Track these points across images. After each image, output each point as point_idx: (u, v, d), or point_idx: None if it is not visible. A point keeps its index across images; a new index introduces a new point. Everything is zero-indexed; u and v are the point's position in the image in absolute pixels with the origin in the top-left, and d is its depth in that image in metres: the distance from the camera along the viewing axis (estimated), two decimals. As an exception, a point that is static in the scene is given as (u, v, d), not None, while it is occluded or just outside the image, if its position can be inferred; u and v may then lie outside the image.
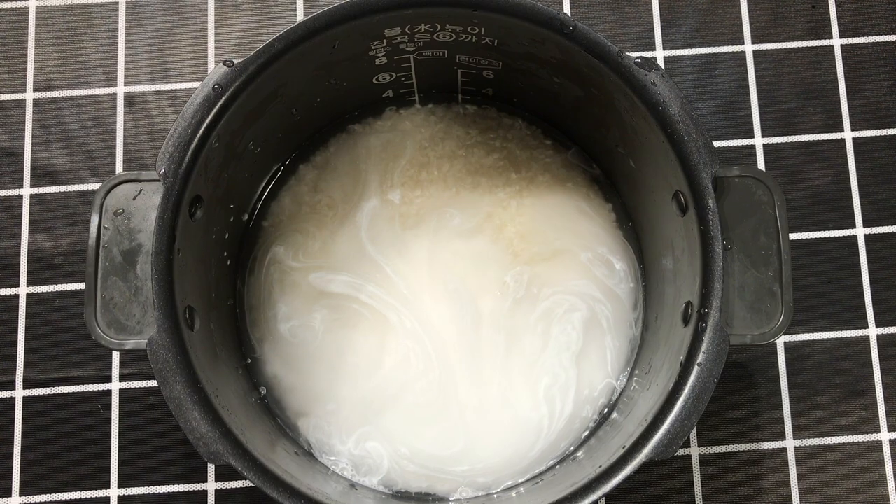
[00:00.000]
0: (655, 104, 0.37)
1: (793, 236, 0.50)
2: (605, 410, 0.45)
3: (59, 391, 0.48)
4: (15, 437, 0.48)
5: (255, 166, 0.46)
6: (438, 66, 0.44)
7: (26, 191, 0.51)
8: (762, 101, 0.52)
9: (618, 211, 0.48)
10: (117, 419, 0.48)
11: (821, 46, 0.53)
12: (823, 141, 0.52)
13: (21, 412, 0.48)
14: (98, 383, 0.48)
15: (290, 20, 0.53)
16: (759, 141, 0.52)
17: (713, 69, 0.52)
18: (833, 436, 0.48)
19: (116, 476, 0.47)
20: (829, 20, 0.53)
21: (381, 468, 0.44)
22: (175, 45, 0.53)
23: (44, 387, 0.48)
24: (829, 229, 0.51)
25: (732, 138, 0.52)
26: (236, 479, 0.47)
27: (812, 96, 0.52)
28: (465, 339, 0.46)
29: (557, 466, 0.44)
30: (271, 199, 0.48)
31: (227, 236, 0.44)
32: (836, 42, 0.53)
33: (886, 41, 0.53)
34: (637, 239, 0.48)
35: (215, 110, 0.37)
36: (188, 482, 0.47)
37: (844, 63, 0.53)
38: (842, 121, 0.52)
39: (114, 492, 0.47)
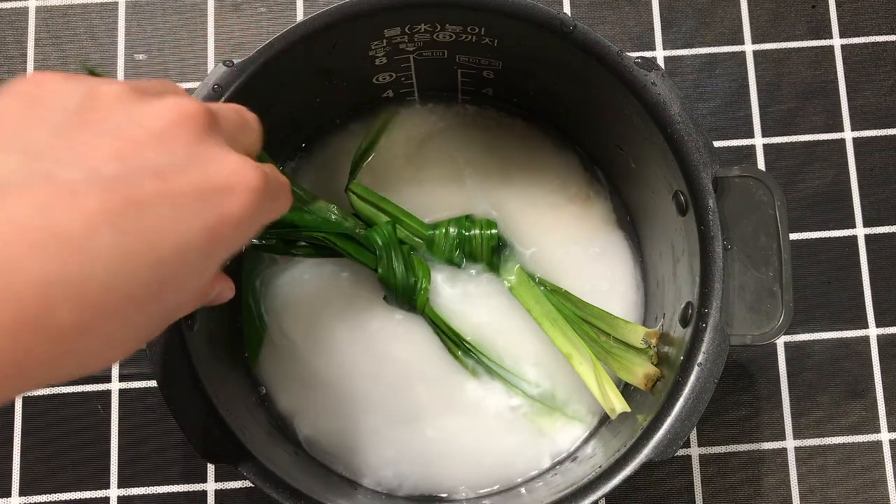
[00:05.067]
0: (655, 104, 0.37)
1: (793, 236, 0.50)
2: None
3: (59, 391, 0.48)
4: (15, 437, 0.48)
5: (255, 166, 0.46)
6: (438, 66, 0.44)
7: (26, 191, 0.50)
8: (762, 101, 0.52)
9: (618, 211, 0.48)
10: (117, 419, 0.48)
11: (821, 46, 0.53)
12: (823, 141, 0.52)
13: (21, 412, 0.48)
14: (98, 383, 0.48)
15: (290, 20, 0.53)
16: (759, 141, 0.52)
17: (713, 69, 0.52)
18: (833, 436, 0.48)
19: (116, 476, 0.47)
20: (829, 20, 0.53)
21: (380, 468, 0.44)
22: (175, 45, 0.53)
23: (44, 387, 0.48)
24: (829, 229, 0.51)
25: (732, 138, 0.52)
26: (236, 479, 0.47)
27: (812, 96, 0.52)
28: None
29: (557, 467, 0.44)
30: (271, 199, 0.48)
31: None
32: (836, 42, 0.53)
33: (886, 41, 0.53)
34: (637, 239, 0.48)
35: (215, 110, 0.37)
36: (188, 482, 0.47)
37: (844, 63, 0.53)
38: (842, 121, 0.52)
39: (114, 492, 0.47)
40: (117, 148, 0.23)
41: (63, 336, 0.21)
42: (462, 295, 0.46)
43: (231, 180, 0.25)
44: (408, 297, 0.44)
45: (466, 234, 0.45)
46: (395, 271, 0.44)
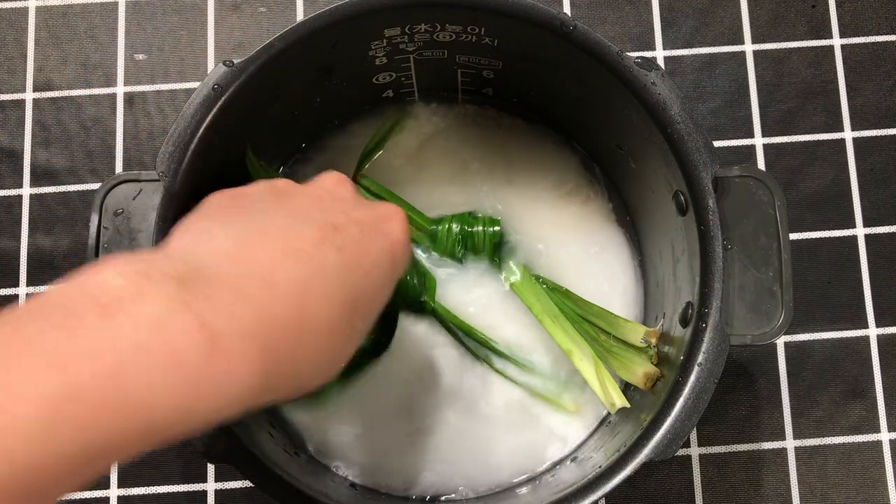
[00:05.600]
0: (655, 104, 0.37)
1: (793, 236, 0.50)
2: (605, 411, 0.45)
3: (58, 391, 0.48)
4: (15, 437, 0.48)
5: (255, 166, 0.46)
6: (438, 66, 0.44)
7: (26, 191, 0.51)
8: (762, 101, 0.52)
9: (618, 211, 0.48)
10: (117, 419, 0.48)
11: (821, 46, 0.53)
12: (823, 141, 0.52)
13: (21, 412, 0.48)
14: (98, 383, 0.48)
15: (290, 20, 0.53)
16: (759, 141, 0.52)
17: (713, 69, 0.52)
18: (833, 436, 0.48)
19: (116, 476, 0.47)
20: (829, 20, 0.53)
21: (381, 468, 0.44)
22: (175, 45, 0.53)
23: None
24: (829, 229, 0.51)
25: (732, 138, 0.52)
26: (236, 479, 0.47)
27: (812, 96, 0.52)
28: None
29: (557, 467, 0.44)
30: (271, 199, 0.48)
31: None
32: (836, 42, 0.53)
33: (886, 41, 0.53)
34: (637, 239, 0.48)
35: (215, 110, 0.37)
36: (188, 482, 0.47)
37: (844, 63, 0.53)
38: (842, 121, 0.52)
39: (114, 492, 0.47)
40: (315, 202, 0.32)
41: (318, 331, 0.27)
42: (464, 291, 0.46)
43: (388, 212, 0.33)
44: (416, 297, 0.44)
45: (469, 230, 0.45)
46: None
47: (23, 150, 0.51)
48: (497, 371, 0.45)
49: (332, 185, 0.34)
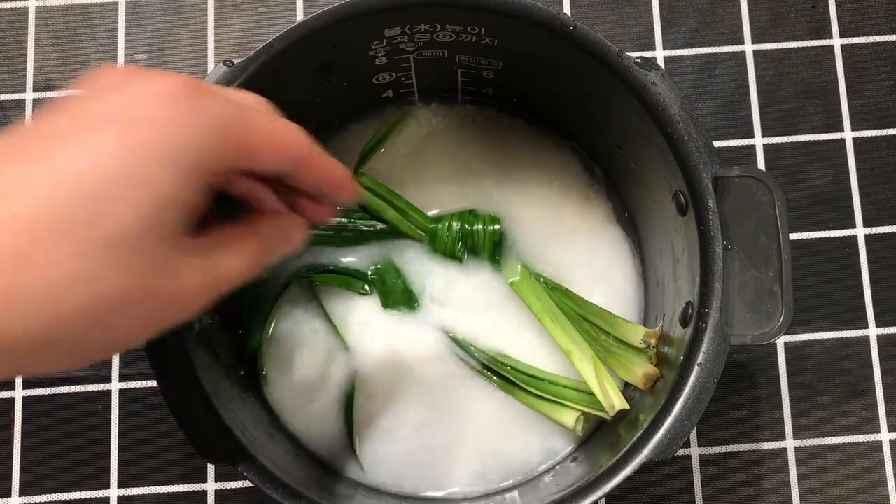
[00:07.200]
0: (655, 104, 0.37)
1: (793, 236, 0.50)
2: (605, 410, 0.45)
3: (59, 391, 0.48)
4: (15, 437, 0.48)
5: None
6: (438, 66, 0.44)
7: (26, 191, 0.50)
8: (762, 101, 0.52)
9: (618, 211, 0.48)
10: (117, 419, 0.48)
11: (821, 46, 0.53)
12: (823, 141, 0.52)
13: (21, 412, 0.48)
14: (98, 383, 0.48)
15: (290, 20, 0.53)
16: (759, 141, 0.52)
17: (713, 69, 0.52)
18: (833, 436, 0.48)
19: (116, 476, 0.47)
20: (829, 20, 0.53)
21: (381, 467, 0.44)
22: (175, 45, 0.53)
23: (44, 387, 0.48)
24: (829, 229, 0.51)
25: (732, 138, 0.52)
26: (236, 479, 0.47)
27: (812, 96, 0.52)
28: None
29: (557, 467, 0.44)
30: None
31: (227, 236, 0.44)
32: (836, 42, 0.53)
33: (886, 41, 0.53)
34: (637, 238, 0.48)
35: (215, 110, 0.37)
36: (188, 482, 0.47)
37: (844, 63, 0.53)
38: (842, 121, 0.52)
39: (114, 492, 0.47)
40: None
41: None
42: (463, 290, 0.46)
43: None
44: (409, 293, 0.45)
45: (469, 228, 0.46)
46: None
47: (23, 150, 0.51)
48: (496, 371, 0.45)
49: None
